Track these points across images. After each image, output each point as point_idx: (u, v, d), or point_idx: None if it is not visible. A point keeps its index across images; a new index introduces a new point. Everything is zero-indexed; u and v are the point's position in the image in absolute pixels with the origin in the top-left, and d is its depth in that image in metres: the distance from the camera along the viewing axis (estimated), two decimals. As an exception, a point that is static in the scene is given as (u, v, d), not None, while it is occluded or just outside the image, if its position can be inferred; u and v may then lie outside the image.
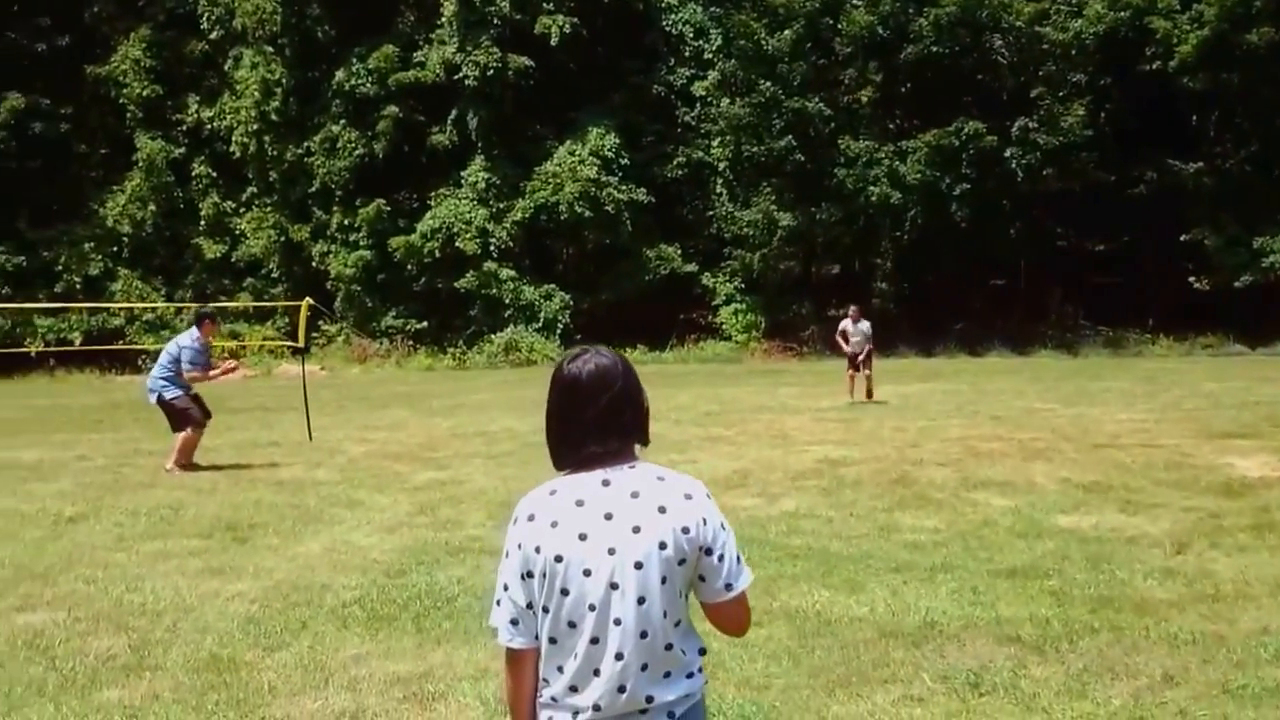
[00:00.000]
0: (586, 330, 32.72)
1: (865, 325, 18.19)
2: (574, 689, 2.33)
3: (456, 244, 32.96)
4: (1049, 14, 29.47)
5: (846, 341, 18.20)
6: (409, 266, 33.71)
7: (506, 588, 2.37)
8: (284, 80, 35.37)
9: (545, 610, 2.33)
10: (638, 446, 2.45)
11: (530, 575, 2.33)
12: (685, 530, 2.32)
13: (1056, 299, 31.73)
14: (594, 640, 2.30)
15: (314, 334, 32.35)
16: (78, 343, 32.08)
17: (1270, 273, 27.69)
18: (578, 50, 33.45)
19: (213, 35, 37.44)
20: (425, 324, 34.28)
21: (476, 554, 7.43)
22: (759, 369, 27.47)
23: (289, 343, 27.77)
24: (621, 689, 2.31)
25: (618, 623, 2.30)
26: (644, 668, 2.31)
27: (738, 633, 2.51)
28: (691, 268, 34.21)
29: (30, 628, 5.96)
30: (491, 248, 33.18)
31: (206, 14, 37.29)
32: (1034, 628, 5.56)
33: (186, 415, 11.48)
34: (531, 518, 2.35)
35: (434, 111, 34.32)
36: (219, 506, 9.35)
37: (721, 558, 2.36)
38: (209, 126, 37.53)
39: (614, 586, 2.29)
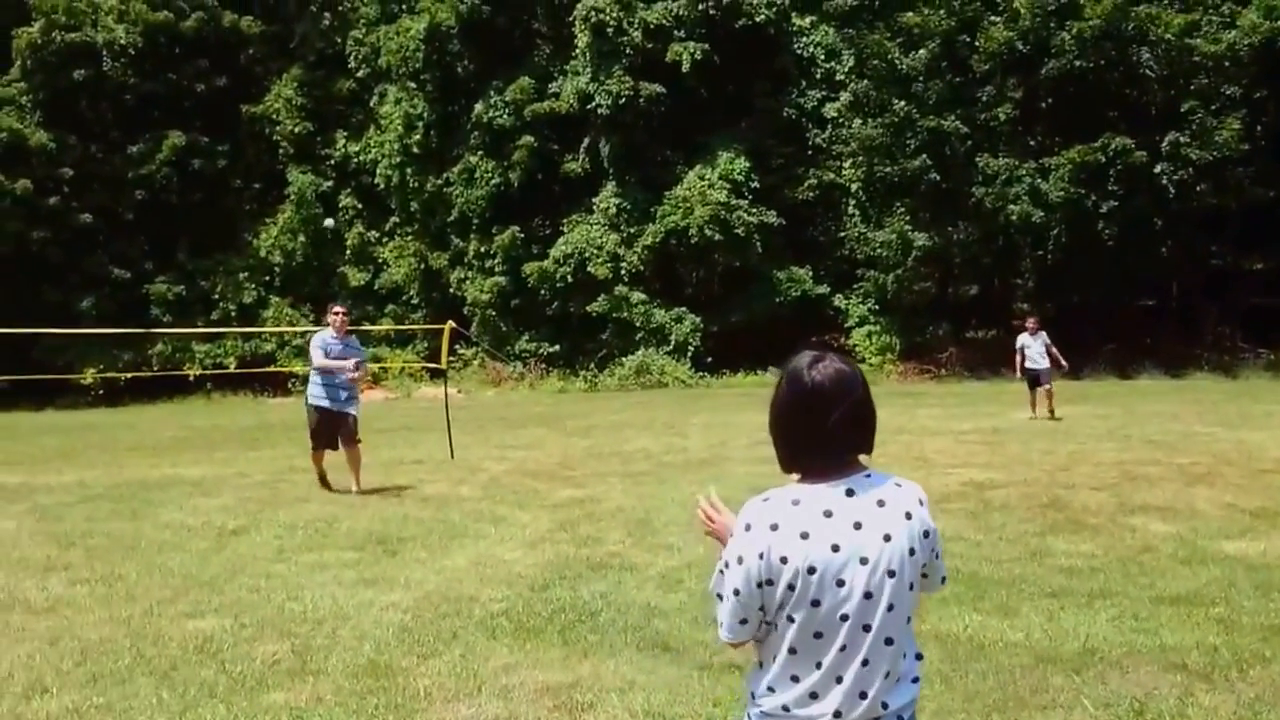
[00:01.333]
0: (717, 353, 32.70)
1: (1044, 337, 17.89)
2: (813, 696, 2.36)
3: (588, 269, 33.36)
4: (1200, 25, 28.31)
5: (1024, 358, 17.93)
6: (542, 291, 34.24)
7: (737, 593, 2.37)
8: (425, 114, 36.45)
9: (790, 620, 2.34)
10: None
11: (771, 584, 2.33)
12: (926, 534, 2.41)
13: (1212, 319, 30.34)
14: (843, 648, 2.34)
15: (451, 358, 33.11)
16: (232, 367, 33.53)
17: None
18: (708, 76, 33.60)
19: (360, 73, 38.88)
20: (557, 347, 34.76)
21: (617, 570, 7.50)
22: (895, 391, 27.00)
23: (430, 364, 28.46)
24: (863, 695, 2.35)
25: (867, 629, 2.33)
26: (886, 675, 2.37)
27: None
28: (823, 289, 33.90)
29: (200, 633, 6.24)
30: (622, 272, 33.48)
31: (354, 53, 38.74)
32: (1201, 655, 5.33)
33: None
34: (775, 527, 2.33)
35: (567, 140, 34.89)
36: (370, 521, 9.63)
37: (939, 555, 2.50)
38: (355, 160, 38.92)
39: (868, 596, 2.32)
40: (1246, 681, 4.97)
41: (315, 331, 12.07)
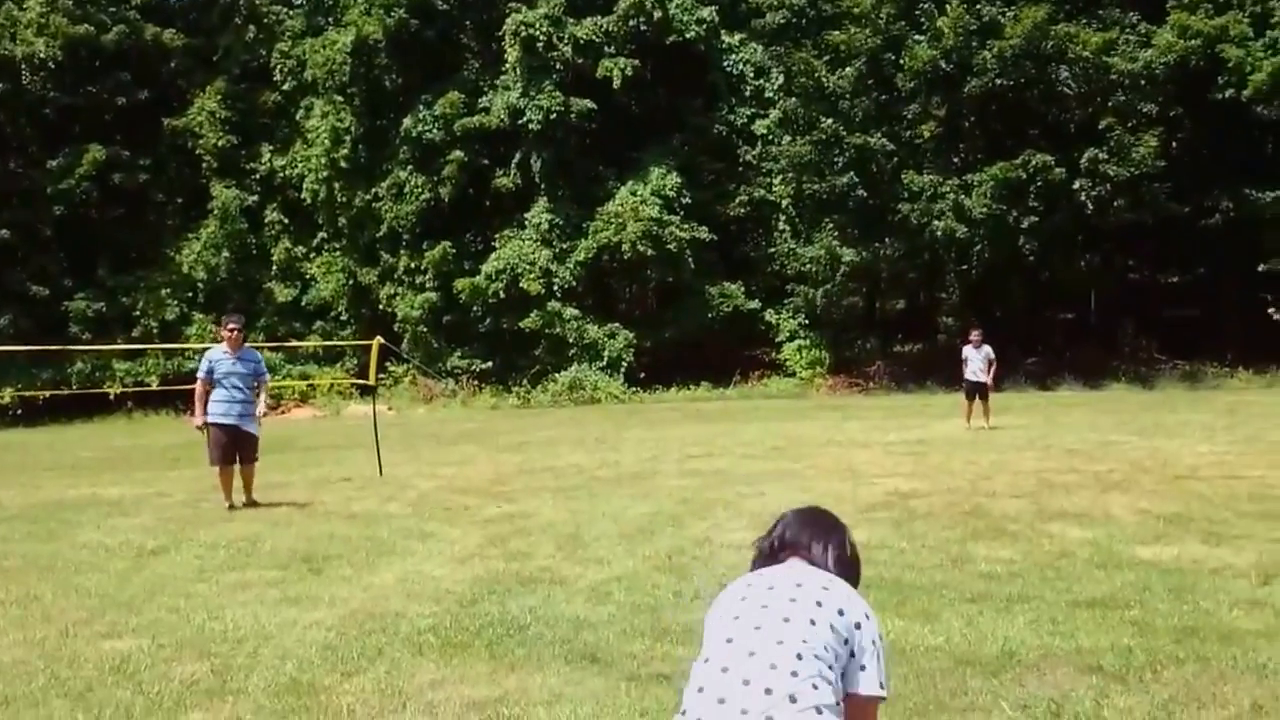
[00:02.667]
0: (651, 369, 32.81)
1: (987, 350, 18.27)
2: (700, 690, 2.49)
3: (520, 284, 33.31)
4: (1116, 44, 29.14)
5: (965, 369, 18.37)
6: (474, 307, 34.10)
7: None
8: (353, 128, 36.17)
9: (705, 660, 2.55)
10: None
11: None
12: (840, 613, 2.56)
13: (1129, 332, 31.18)
14: (724, 670, 2.48)
15: (381, 374, 32.80)
16: (154, 385, 32.85)
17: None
18: (639, 92, 33.82)
19: (285, 86, 38.49)
20: (490, 364, 34.61)
21: (547, 584, 7.47)
22: (825, 404, 27.29)
23: (358, 381, 28.17)
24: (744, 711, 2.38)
25: (752, 655, 2.47)
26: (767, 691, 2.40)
27: None
28: (754, 305, 34.21)
29: (117, 653, 6.09)
30: (555, 287, 33.48)
31: (279, 66, 38.34)
32: (1116, 657, 5.45)
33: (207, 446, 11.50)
34: (727, 589, 2.74)
35: (498, 155, 34.85)
36: (294, 539, 9.49)
37: (877, 654, 2.59)
38: (281, 174, 38.47)
39: (757, 629, 2.52)
40: (1160, 682, 5.09)
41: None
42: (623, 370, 33.11)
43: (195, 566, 8.47)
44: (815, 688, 2.39)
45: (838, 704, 2.43)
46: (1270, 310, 30.24)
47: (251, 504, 11.48)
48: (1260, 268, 28.77)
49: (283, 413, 33.14)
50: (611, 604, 6.85)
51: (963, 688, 5.10)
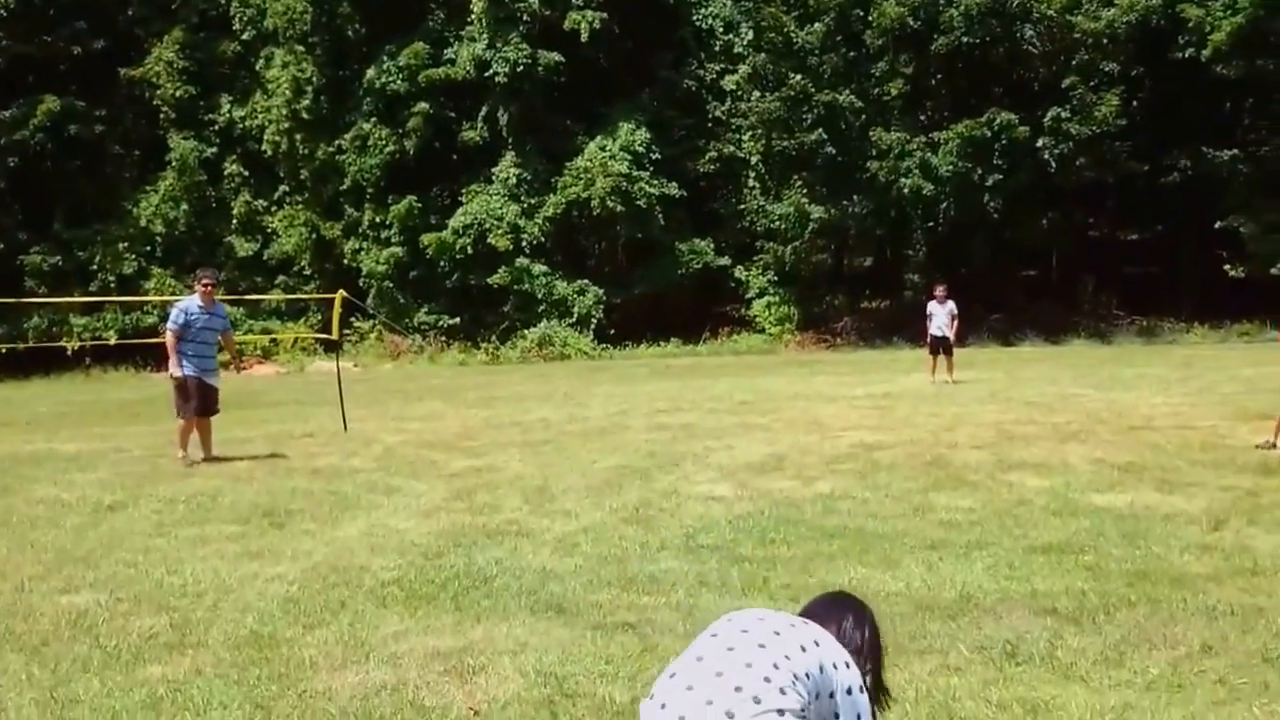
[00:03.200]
0: (620, 325, 32.78)
1: (951, 306, 18.39)
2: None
3: (488, 240, 33.08)
4: (1080, 3, 29.17)
5: (929, 324, 18.51)
6: (441, 263, 33.85)
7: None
8: (315, 79, 35.62)
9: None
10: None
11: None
12: (806, 675, 2.37)
13: (1089, 289, 31.48)
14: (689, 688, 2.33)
15: (346, 331, 32.57)
16: (113, 340, 32.44)
17: (1306, 260, 27.33)
18: (607, 46, 33.49)
19: (244, 36, 37.80)
20: (458, 320, 34.43)
21: (513, 536, 7.49)
22: (793, 360, 27.41)
23: (322, 335, 27.96)
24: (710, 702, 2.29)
25: (720, 674, 2.34)
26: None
27: None
28: (724, 261, 34.17)
29: (74, 608, 6.06)
30: (524, 243, 33.28)
31: (238, 15, 37.63)
32: (1070, 600, 5.55)
33: (175, 397, 11.46)
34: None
35: (465, 108, 34.46)
36: (256, 494, 9.45)
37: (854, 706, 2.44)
38: (241, 126, 37.87)
39: (730, 649, 2.39)
40: (1113, 624, 5.19)
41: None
42: (592, 327, 33.05)
43: (154, 521, 8.41)
44: (783, 692, 2.30)
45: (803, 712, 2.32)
46: (1226, 267, 30.56)
47: (211, 459, 11.41)
48: (1217, 225, 29.08)
49: (245, 369, 32.88)
50: (578, 555, 6.89)
51: (922, 631, 5.18)
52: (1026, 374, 19.41)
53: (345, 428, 14.04)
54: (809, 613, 2.71)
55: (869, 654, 2.69)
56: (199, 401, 11.38)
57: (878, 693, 2.71)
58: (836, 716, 2.41)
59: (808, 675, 2.37)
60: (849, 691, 2.43)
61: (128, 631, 5.62)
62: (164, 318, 31.36)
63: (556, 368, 28.51)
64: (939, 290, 18.91)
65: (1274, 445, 9.72)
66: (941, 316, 18.43)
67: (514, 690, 4.65)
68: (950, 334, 18.47)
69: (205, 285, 11.51)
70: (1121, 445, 10.38)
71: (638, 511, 8.13)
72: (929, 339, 18.73)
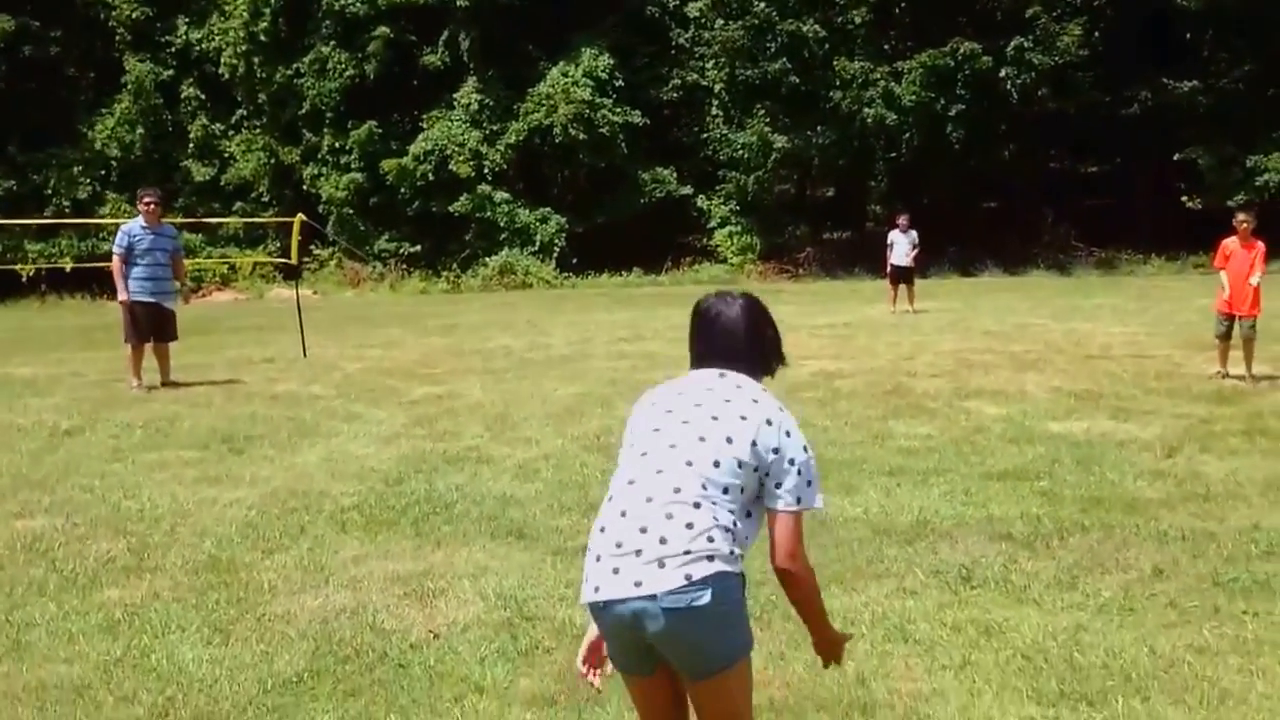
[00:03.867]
0: (582, 254, 32.56)
1: (913, 235, 18.43)
2: (618, 542, 2.52)
3: (450, 167, 32.61)
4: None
5: (890, 253, 18.53)
6: (402, 190, 33.39)
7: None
8: (273, 0, 34.74)
9: (620, 469, 2.68)
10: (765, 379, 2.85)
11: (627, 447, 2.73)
12: (754, 443, 2.57)
13: (1049, 220, 31.63)
14: (647, 500, 2.53)
15: (306, 258, 32.13)
16: (69, 267, 31.83)
17: (1264, 192, 27.46)
18: (570, -31, 32.85)
19: (201, -45, 36.71)
20: (419, 248, 34.03)
21: (474, 463, 7.49)
22: (755, 289, 27.26)
23: (281, 260, 27.52)
24: (662, 539, 2.47)
25: (659, 473, 2.56)
26: (688, 525, 2.48)
27: (787, 559, 2.58)
28: (686, 190, 33.91)
29: (30, 532, 6.01)
30: (485, 171, 32.84)
31: (194, -66, 36.53)
32: (1025, 525, 5.64)
33: (124, 323, 11.27)
34: (643, 399, 2.81)
35: (426, 32, 33.74)
36: (214, 419, 9.37)
37: (797, 469, 2.59)
38: (198, 48, 36.90)
39: (672, 446, 2.59)
40: (1066, 548, 5.28)
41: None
42: (554, 255, 32.81)
43: (111, 446, 8.33)
44: (725, 491, 2.54)
45: (734, 527, 2.53)
46: (1184, 199, 30.77)
47: (170, 384, 11.27)
48: (1175, 157, 29.20)
49: (203, 295, 32.45)
50: (539, 481, 6.90)
51: (879, 555, 5.25)
52: (986, 304, 19.56)
53: (305, 354, 13.92)
54: (724, 350, 2.80)
55: (775, 353, 2.91)
56: (152, 326, 11.18)
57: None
58: (777, 453, 2.58)
59: (752, 445, 2.56)
60: (788, 434, 2.62)
61: (84, 556, 5.59)
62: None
63: (518, 296, 28.38)
64: (901, 220, 18.94)
65: (1225, 374, 9.86)
66: (903, 246, 18.48)
67: (474, 613, 4.67)
68: (910, 264, 18.54)
69: (148, 204, 11.27)
70: (1078, 374, 10.50)
71: (599, 439, 8.15)
72: (890, 269, 18.78)
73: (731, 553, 2.49)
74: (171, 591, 5.06)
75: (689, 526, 2.46)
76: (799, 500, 2.57)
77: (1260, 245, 9.94)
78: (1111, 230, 30.25)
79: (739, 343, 2.80)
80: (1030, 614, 4.47)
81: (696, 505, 2.49)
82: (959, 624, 4.37)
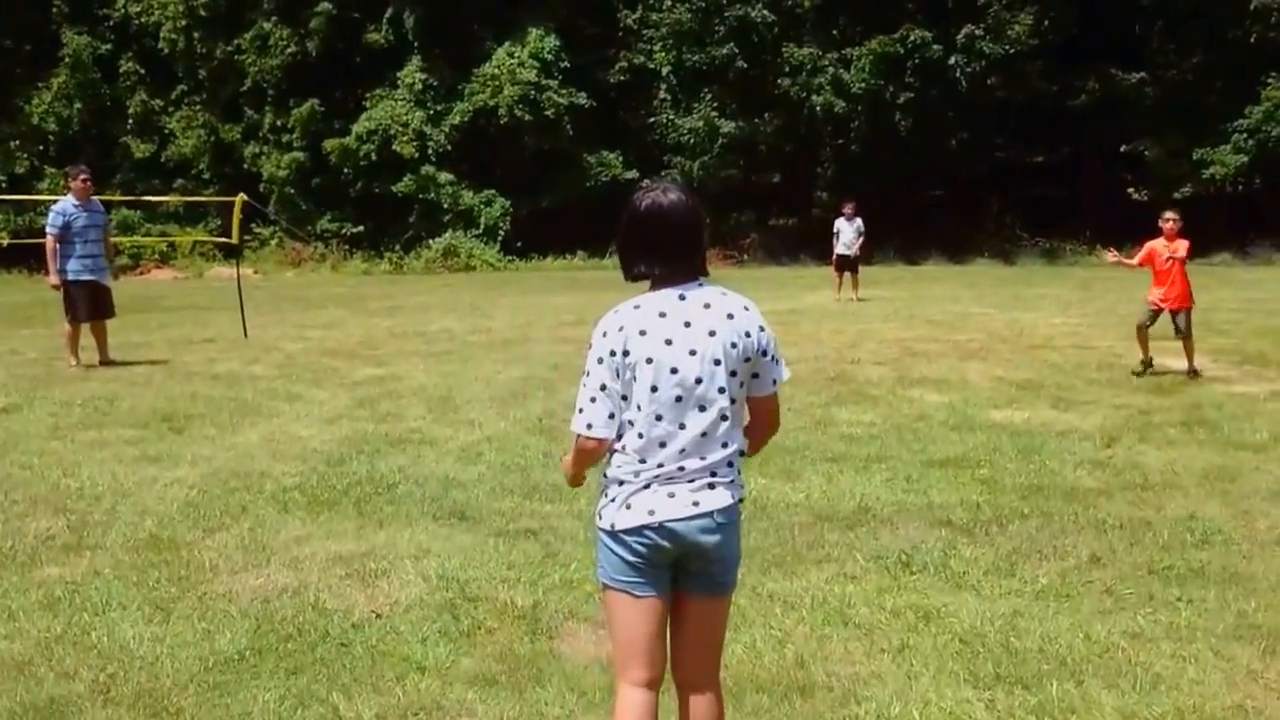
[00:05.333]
0: (527, 237, 32.43)
1: (859, 224, 18.54)
2: (660, 465, 2.74)
3: (393, 147, 32.29)
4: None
5: (837, 241, 18.61)
6: (344, 170, 33.01)
7: (604, 387, 2.76)
8: (213, -27, 34.11)
9: (638, 407, 2.74)
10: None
11: (619, 375, 2.74)
12: (747, 334, 2.79)
13: (994, 209, 32.01)
14: (682, 426, 2.73)
15: (247, 237, 31.62)
16: (4, 242, 31.06)
17: (1210, 184, 28.03)
18: (518, -53, 32.59)
19: (139, -74, 35.87)
20: (361, 228, 33.69)
21: (417, 445, 7.45)
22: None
23: (221, 239, 27.09)
24: (702, 458, 2.75)
25: (702, 408, 2.73)
26: (723, 445, 2.77)
27: (773, 429, 2.98)
28: (633, 174, 33.84)
29: (-36, 511, 5.89)
30: (429, 151, 32.55)
31: (132, -96, 35.69)
32: (965, 512, 5.72)
33: (65, 304, 11.06)
34: (621, 328, 2.75)
35: (369, 9, 33.32)
36: (155, 398, 9.23)
37: (773, 358, 2.86)
38: (137, 22, 36.13)
39: (699, 381, 2.73)
40: (1005, 535, 5.37)
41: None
42: (499, 238, 32.64)
43: (49, 424, 8.19)
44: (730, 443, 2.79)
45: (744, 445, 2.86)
46: (1130, 190, 31.29)
47: (108, 363, 11.09)
48: (1122, 148, 29.65)
49: (141, 274, 31.85)
50: (482, 464, 6.89)
51: (820, 540, 5.30)
52: (930, 292, 19.78)
53: (245, 334, 13.75)
54: (679, 252, 2.82)
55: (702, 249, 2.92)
56: (91, 305, 11.00)
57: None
58: (765, 354, 2.83)
59: (746, 361, 2.78)
60: (762, 329, 2.84)
61: (24, 533, 5.51)
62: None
63: (461, 279, 28.21)
64: (847, 208, 19.06)
65: (1150, 360, 9.88)
66: (848, 234, 18.62)
67: (416, 594, 4.66)
68: (856, 252, 18.69)
69: (85, 181, 11.07)
70: (1020, 363, 10.67)
71: (541, 422, 8.15)
72: (835, 257, 18.91)
73: (742, 478, 2.86)
74: (112, 569, 5.00)
75: (724, 446, 2.76)
76: (775, 381, 2.89)
77: (1185, 243, 9.97)
78: (1057, 220, 30.67)
79: (692, 239, 2.85)
80: (968, 599, 4.54)
81: (725, 426, 2.76)
82: (898, 609, 4.43)
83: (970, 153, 31.24)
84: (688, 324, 2.74)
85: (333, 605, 4.55)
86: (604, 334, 2.77)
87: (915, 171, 31.22)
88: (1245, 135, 27.23)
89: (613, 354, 2.73)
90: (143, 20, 35.87)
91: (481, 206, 32.63)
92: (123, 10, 36.12)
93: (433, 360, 11.59)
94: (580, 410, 2.79)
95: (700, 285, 2.82)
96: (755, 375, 2.83)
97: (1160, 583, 4.71)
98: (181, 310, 18.41)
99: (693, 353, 2.72)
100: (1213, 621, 4.26)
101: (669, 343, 2.72)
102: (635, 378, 2.72)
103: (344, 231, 33.69)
